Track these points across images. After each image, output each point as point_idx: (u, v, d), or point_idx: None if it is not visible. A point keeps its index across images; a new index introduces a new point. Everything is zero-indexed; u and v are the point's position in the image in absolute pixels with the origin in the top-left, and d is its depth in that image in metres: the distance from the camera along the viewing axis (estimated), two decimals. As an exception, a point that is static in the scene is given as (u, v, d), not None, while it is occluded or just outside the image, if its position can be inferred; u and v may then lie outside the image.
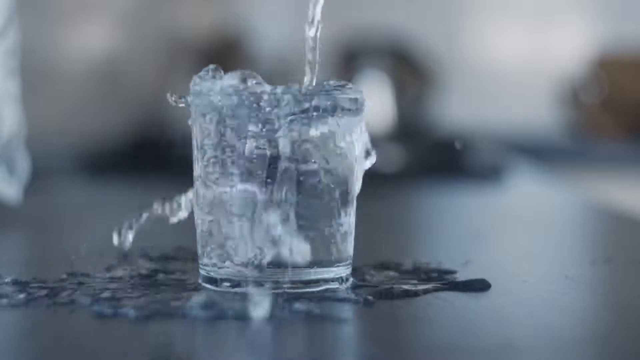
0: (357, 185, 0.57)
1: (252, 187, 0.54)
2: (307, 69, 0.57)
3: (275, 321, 0.48)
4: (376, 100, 2.14)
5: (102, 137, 1.72)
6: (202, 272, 0.57)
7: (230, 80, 0.55)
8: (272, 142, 0.54)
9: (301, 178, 0.55)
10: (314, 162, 0.55)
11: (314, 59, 0.57)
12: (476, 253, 0.66)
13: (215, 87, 0.55)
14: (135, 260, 0.63)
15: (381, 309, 0.52)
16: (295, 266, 0.54)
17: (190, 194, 0.58)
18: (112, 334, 0.47)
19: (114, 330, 0.47)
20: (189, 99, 0.57)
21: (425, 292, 0.55)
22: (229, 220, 0.55)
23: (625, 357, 0.44)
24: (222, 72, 0.56)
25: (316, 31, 0.57)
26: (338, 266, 0.56)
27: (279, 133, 0.54)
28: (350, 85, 0.56)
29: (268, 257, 0.54)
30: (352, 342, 0.48)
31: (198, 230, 0.57)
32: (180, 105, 0.58)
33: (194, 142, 0.57)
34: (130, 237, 0.58)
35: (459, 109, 2.45)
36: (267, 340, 0.46)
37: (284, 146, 0.54)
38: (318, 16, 0.57)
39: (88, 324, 0.48)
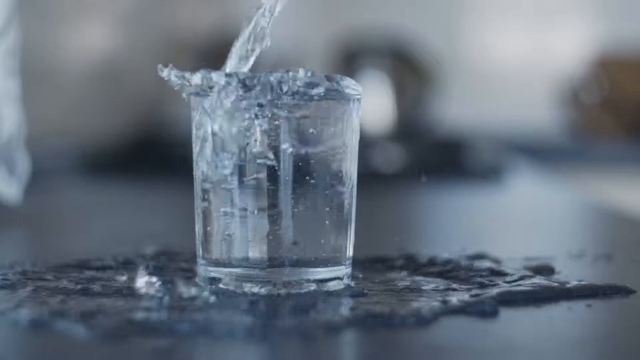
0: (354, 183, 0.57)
1: (252, 186, 0.55)
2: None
3: (274, 322, 0.48)
4: (376, 100, 2.14)
5: (102, 137, 1.72)
6: (201, 272, 0.57)
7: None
8: (272, 139, 0.54)
9: (301, 177, 0.55)
10: (313, 160, 0.55)
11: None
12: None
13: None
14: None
15: (379, 310, 0.52)
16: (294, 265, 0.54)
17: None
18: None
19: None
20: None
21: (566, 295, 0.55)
22: (229, 219, 0.55)
23: (625, 357, 0.44)
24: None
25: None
26: (338, 266, 0.56)
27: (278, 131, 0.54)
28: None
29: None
30: (352, 342, 0.48)
31: (197, 230, 0.57)
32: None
33: (195, 141, 0.57)
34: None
35: (459, 109, 2.45)
36: (266, 341, 0.46)
37: (284, 144, 0.54)
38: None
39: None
